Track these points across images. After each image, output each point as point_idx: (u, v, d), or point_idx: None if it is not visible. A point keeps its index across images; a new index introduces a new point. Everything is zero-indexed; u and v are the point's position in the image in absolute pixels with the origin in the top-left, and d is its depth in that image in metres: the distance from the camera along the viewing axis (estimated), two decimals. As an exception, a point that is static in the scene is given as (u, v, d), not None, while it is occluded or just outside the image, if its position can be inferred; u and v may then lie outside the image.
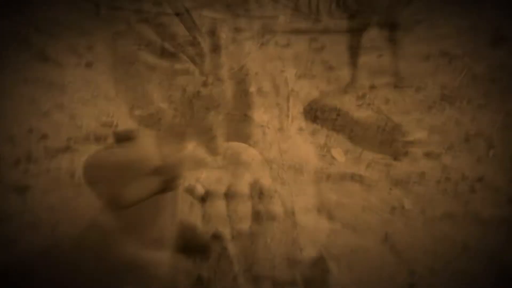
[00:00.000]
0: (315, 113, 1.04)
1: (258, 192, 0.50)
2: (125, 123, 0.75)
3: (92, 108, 0.78)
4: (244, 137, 0.82)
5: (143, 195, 0.48)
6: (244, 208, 0.46)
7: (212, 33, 0.77)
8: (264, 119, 0.86)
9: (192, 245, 0.49)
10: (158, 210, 2.28)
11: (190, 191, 0.48)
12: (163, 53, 0.71)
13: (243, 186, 0.50)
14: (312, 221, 1.01)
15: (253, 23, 0.83)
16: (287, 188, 0.92)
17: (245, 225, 0.45)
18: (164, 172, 0.51)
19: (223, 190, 0.49)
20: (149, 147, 0.75)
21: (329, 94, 1.10)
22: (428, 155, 0.98)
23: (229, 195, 0.48)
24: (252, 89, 0.83)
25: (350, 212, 2.29)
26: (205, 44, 0.76)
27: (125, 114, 0.75)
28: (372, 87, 3.65)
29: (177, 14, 0.72)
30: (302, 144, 0.98)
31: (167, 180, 0.51)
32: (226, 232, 0.43)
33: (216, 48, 0.77)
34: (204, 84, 0.76)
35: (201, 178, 0.50)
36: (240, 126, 0.81)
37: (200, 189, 0.48)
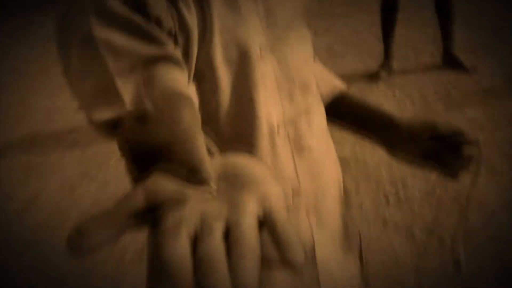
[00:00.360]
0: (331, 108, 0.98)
1: (268, 228, 0.38)
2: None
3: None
4: (248, 147, 0.75)
5: (105, 236, 0.36)
6: (249, 252, 0.35)
7: (210, 22, 0.70)
8: (273, 122, 0.78)
9: None
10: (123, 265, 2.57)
11: (173, 231, 0.36)
12: (150, 43, 0.64)
13: (248, 220, 0.38)
14: (337, 264, 0.92)
15: (255, 9, 0.76)
16: (305, 221, 0.86)
17: (250, 275, 0.34)
18: (135, 202, 0.39)
19: (219, 227, 0.37)
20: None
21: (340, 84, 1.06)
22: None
23: (229, 234, 0.37)
24: (257, 85, 0.75)
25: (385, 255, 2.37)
26: (200, 33, 0.69)
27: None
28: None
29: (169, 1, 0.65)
30: (323, 154, 0.90)
31: (139, 214, 0.39)
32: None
33: (213, 38, 0.70)
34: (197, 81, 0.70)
35: (188, 211, 0.39)
36: (242, 133, 0.75)
37: (187, 228, 0.37)
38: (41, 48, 5.77)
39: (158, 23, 0.65)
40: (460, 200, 2.54)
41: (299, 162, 0.85)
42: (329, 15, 5.43)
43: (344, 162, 2.97)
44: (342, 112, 1.03)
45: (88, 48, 0.64)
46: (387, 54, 4.12)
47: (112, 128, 0.63)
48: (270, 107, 0.78)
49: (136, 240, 2.48)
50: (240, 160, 0.46)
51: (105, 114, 0.63)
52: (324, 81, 1.03)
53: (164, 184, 0.42)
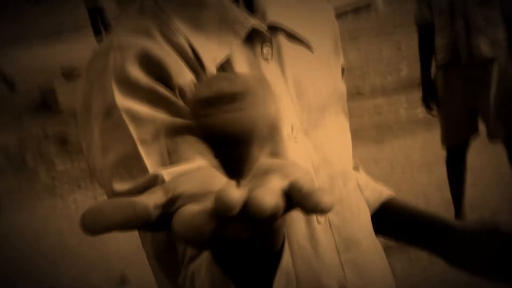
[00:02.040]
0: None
1: (294, 193, 0.39)
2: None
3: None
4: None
5: (122, 218, 0.37)
6: (269, 194, 0.36)
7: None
8: None
9: None
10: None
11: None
12: (174, 113, 0.70)
13: (270, 187, 0.38)
14: None
15: (286, 90, 0.81)
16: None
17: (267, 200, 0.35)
18: (153, 195, 0.41)
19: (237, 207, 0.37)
20: None
21: None
22: None
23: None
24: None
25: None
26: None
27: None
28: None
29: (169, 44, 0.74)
30: (371, 250, 0.89)
31: (159, 206, 0.41)
32: None
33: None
34: None
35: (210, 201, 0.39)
36: None
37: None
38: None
39: (182, 94, 0.71)
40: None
41: (345, 254, 0.84)
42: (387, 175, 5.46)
43: None
44: (391, 219, 1.02)
45: (111, 118, 0.68)
46: (458, 215, 4.08)
47: None
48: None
49: None
50: (266, 159, 0.47)
51: (128, 184, 0.66)
52: (370, 188, 1.04)
53: (184, 180, 0.44)
